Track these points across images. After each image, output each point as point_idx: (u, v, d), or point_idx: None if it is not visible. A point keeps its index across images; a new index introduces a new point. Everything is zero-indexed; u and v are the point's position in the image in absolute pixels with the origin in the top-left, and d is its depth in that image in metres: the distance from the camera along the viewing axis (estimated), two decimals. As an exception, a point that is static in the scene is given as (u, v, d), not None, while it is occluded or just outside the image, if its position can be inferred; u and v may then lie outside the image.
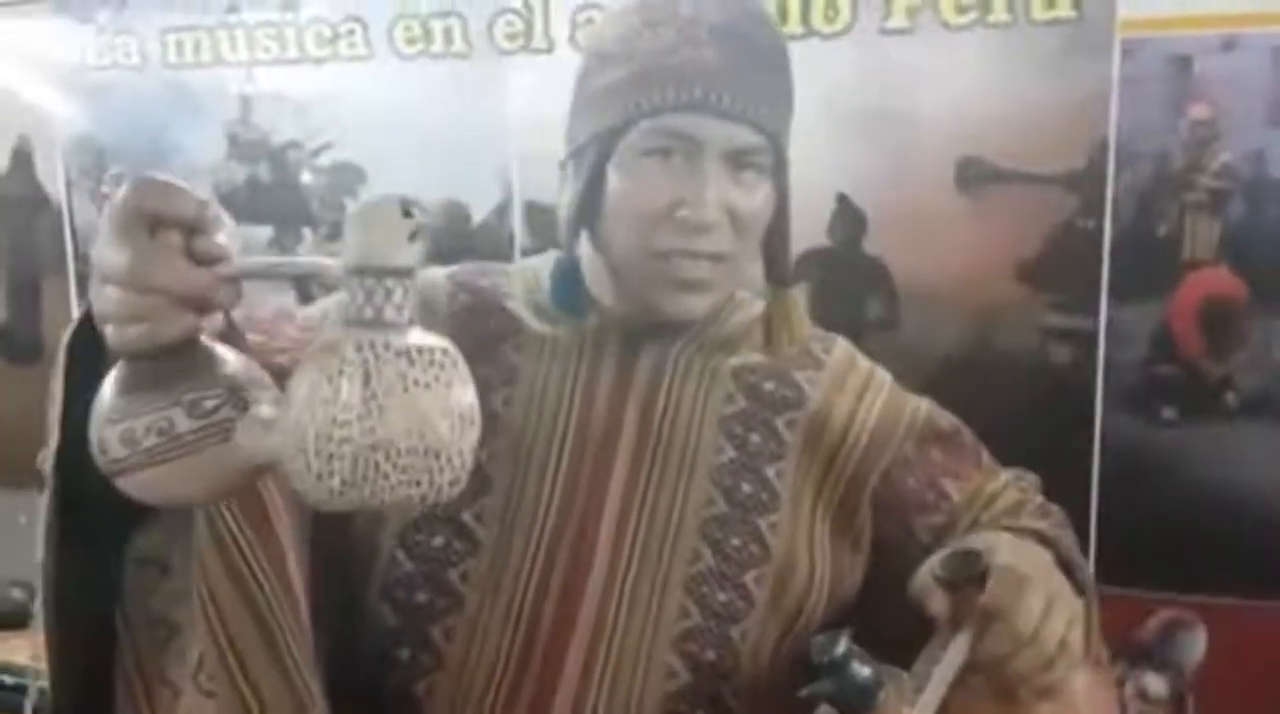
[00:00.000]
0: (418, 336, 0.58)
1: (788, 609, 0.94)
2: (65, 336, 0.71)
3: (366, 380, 0.55)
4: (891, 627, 0.89)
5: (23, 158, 2.37)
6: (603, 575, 0.90)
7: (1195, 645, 1.75)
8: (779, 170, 0.91)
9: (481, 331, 0.95)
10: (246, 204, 2.23)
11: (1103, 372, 1.74)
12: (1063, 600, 0.82)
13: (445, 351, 0.58)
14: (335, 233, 2.17)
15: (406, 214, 0.56)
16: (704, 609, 0.90)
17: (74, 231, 2.36)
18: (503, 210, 2.05)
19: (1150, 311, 1.72)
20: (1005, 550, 0.83)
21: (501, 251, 2.01)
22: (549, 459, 0.92)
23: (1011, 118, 1.73)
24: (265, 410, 0.62)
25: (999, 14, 1.72)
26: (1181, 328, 1.71)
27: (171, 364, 0.61)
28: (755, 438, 0.96)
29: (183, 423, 0.59)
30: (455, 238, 2.04)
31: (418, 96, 2.07)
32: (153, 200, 0.61)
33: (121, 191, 0.61)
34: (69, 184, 2.35)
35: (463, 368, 0.59)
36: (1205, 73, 1.65)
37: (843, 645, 0.80)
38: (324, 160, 2.17)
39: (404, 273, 0.57)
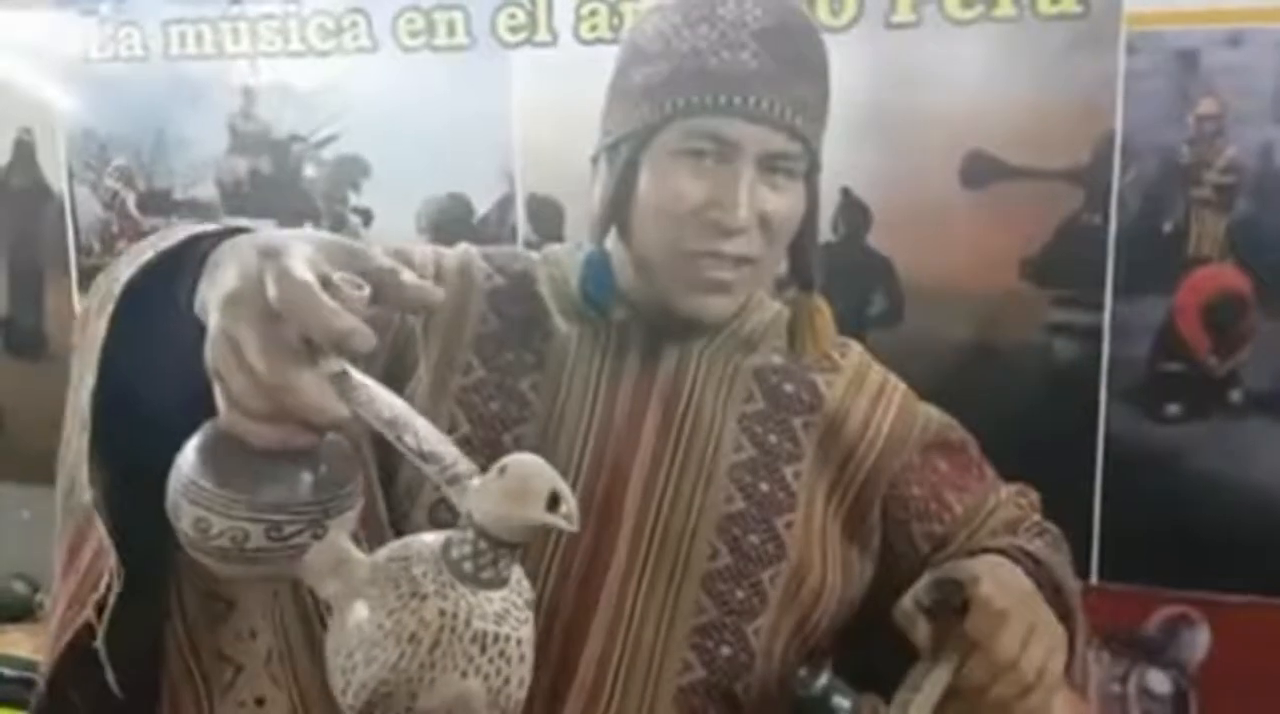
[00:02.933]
0: (499, 606, 0.56)
1: (800, 609, 0.94)
2: (126, 275, 0.67)
3: (433, 648, 0.54)
4: (887, 631, 0.90)
5: (25, 150, 2.36)
6: (622, 567, 0.90)
7: (1198, 642, 1.75)
8: (811, 175, 0.91)
9: (514, 315, 0.95)
10: (249, 197, 2.22)
11: (1107, 367, 1.73)
12: (1042, 629, 0.84)
13: (519, 642, 0.57)
14: (337, 226, 2.16)
15: (553, 504, 0.54)
16: (720, 605, 0.91)
17: (76, 224, 2.35)
18: (505, 203, 2.05)
19: (1155, 307, 1.71)
20: (988, 580, 0.84)
21: (504, 244, 2.01)
22: (574, 448, 0.91)
23: (1017, 112, 1.73)
24: (339, 544, 0.59)
25: (1005, 8, 1.72)
26: (1187, 324, 1.70)
27: (269, 464, 0.57)
28: (773, 438, 0.96)
29: (257, 539, 0.57)
30: (457, 231, 2.04)
31: (421, 89, 2.07)
32: (312, 323, 0.54)
33: (273, 280, 0.54)
34: (71, 176, 2.34)
35: (528, 661, 0.58)
36: (1212, 68, 1.65)
37: (824, 679, 0.83)
38: (327, 153, 2.16)
39: (517, 549, 0.56)
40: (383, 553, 0.58)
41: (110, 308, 0.67)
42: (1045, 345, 1.76)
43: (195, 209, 2.25)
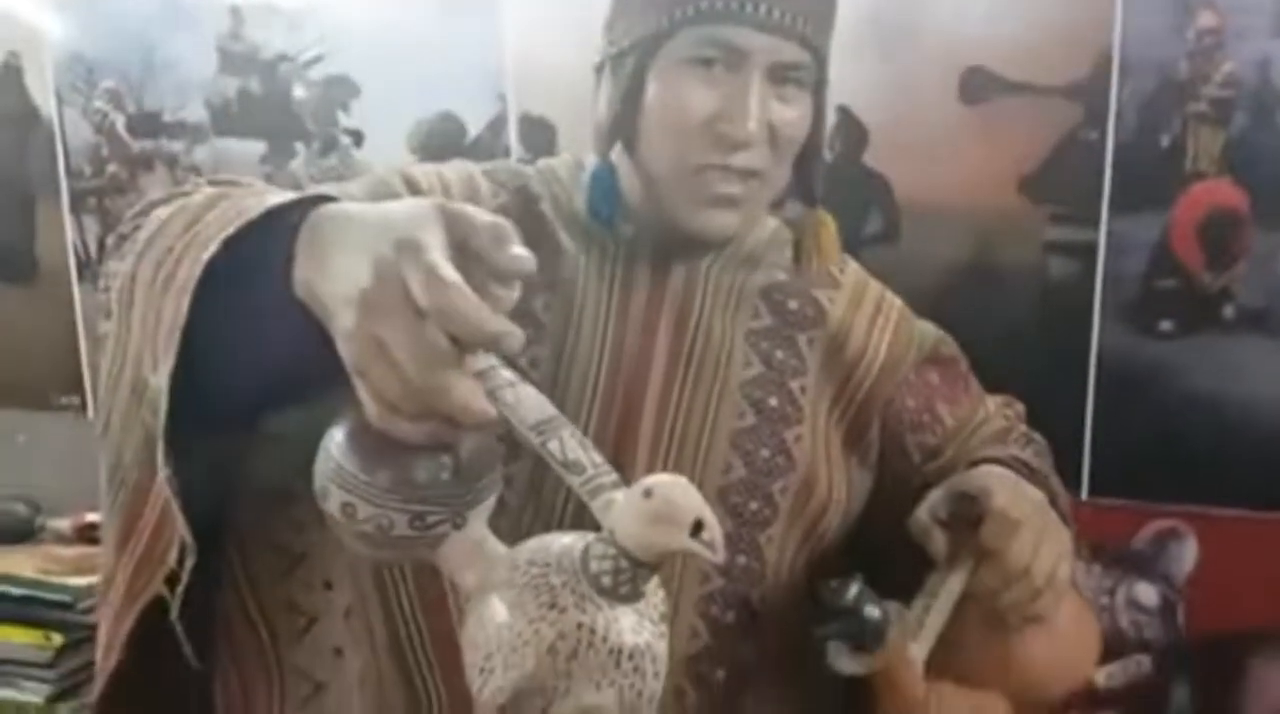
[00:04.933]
0: (634, 620, 0.57)
1: (808, 519, 0.96)
2: (205, 254, 0.64)
3: (570, 659, 0.56)
4: (881, 535, 0.94)
5: (12, 74, 2.33)
6: None
7: (1186, 555, 1.77)
8: (819, 88, 0.90)
9: (522, 233, 0.94)
10: (238, 118, 2.20)
11: (1101, 284, 1.73)
12: (1052, 537, 0.87)
13: (654, 657, 0.58)
14: (328, 147, 2.15)
15: (696, 530, 0.54)
16: (735, 517, 0.93)
17: (66, 148, 2.33)
18: (498, 123, 2.03)
19: (1151, 224, 1.71)
20: (1001, 492, 0.86)
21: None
22: (589, 369, 0.92)
23: (1016, 28, 1.71)
24: (478, 535, 0.61)
25: (1004, -80, 1.69)
26: (1182, 240, 1.70)
27: (416, 454, 0.59)
28: (780, 354, 0.97)
29: (401, 528, 0.59)
30: (450, 152, 2.02)
31: (412, 8, 2.04)
32: (463, 327, 0.54)
33: (420, 282, 0.54)
34: (60, 100, 2.32)
35: (661, 676, 0.59)
36: (1212, -20, 1.62)
37: (855, 589, 0.84)
38: (316, 73, 2.14)
39: (656, 569, 0.57)
40: (523, 554, 0.59)
41: (191, 285, 0.64)
42: (1040, 262, 1.75)
43: (185, 130, 2.23)
